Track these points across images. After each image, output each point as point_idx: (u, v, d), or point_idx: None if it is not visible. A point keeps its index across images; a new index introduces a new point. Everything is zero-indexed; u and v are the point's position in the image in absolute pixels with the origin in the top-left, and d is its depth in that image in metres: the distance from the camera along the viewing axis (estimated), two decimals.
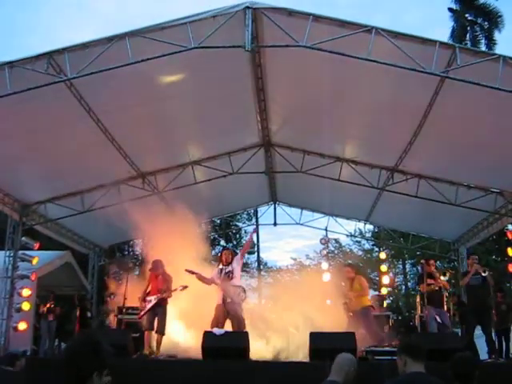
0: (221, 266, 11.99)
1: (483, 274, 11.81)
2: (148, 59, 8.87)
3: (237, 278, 11.80)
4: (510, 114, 9.66)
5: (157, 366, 9.94)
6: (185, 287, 12.60)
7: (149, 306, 11.86)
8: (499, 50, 25.79)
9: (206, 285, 11.83)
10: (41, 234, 15.76)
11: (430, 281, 12.39)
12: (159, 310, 11.79)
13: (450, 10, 27.56)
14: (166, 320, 11.92)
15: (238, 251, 12.38)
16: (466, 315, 12.10)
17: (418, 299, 12.68)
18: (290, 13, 8.74)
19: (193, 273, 12.01)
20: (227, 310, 11.45)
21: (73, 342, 2.96)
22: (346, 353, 5.42)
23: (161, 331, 11.52)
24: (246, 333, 10.55)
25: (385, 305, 17.99)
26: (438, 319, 12.16)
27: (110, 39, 8.75)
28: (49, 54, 8.81)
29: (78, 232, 17.06)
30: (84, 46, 8.81)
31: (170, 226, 14.97)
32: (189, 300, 13.86)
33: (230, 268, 11.87)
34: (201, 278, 11.73)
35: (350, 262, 13.72)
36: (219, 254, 12.40)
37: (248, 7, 8.71)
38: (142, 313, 11.81)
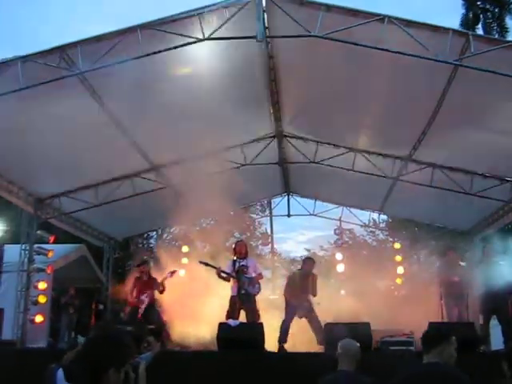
0: (235, 258, 12.06)
1: (500, 263, 11.74)
2: (160, 51, 8.88)
3: (251, 272, 11.89)
4: None
5: (172, 357, 9.98)
6: (173, 272, 12.79)
7: (143, 306, 12.12)
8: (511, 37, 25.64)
9: (222, 280, 11.91)
10: (56, 228, 15.85)
11: (450, 271, 12.36)
12: (151, 309, 12.13)
13: None
14: (160, 315, 12.28)
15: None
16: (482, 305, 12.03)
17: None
18: (302, 2, 8.69)
19: (207, 265, 12.09)
20: (242, 302, 11.51)
21: (93, 335, 2.94)
22: (350, 340, 5.41)
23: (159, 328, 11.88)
24: (261, 324, 10.59)
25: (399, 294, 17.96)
26: (456, 311, 12.12)
27: (122, 32, 8.76)
28: (61, 48, 8.84)
29: (92, 225, 17.12)
30: (96, 39, 8.83)
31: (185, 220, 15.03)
32: (196, 290, 13.98)
33: (244, 262, 11.94)
34: (219, 273, 11.83)
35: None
36: (233, 246, 12.45)
37: None
38: (140, 314, 12.10)
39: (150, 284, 12.58)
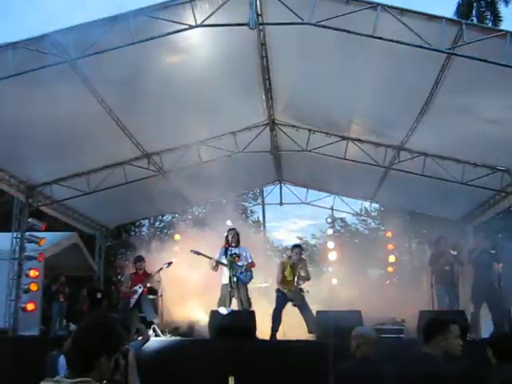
0: (226, 246, 12.10)
1: (491, 252, 11.81)
2: (152, 38, 8.83)
3: (242, 260, 11.94)
4: None
5: (163, 345, 10.01)
6: (169, 263, 12.93)
7: (136, 296, 12.23)
8: (505, 25, 25.62)
9: (212, 269, 11.99)
10: (47, 216, 15.81)
11: (441, 259, 12.42)
12: (144, 298, 12.23)
13: None
14: (151, 307, 12.39)
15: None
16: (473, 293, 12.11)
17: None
18: None
19: (199, 254, 12.14)
20: (233, 290, 11.57)
21: (85, 322, 2.94)
22: (365, 327, 5.43)
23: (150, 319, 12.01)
24: (253, 312, 10.63)
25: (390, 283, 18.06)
26: (447, 300, 12.19)
27: (113, 19, 8.71)
28: (52, 35, 8.78)
29: (84, 213, 17.08)
30: (88, 25, 8.77)
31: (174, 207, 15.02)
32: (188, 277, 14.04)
33: (236, 250, 12.00)
34: (211, 262, 11.92)
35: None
36: (225, 235, 12.47)
37: None
38: (132, 304, 12.19)
39: (144, 277, 12.70)
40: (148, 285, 12.77)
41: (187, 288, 14.56)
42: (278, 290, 11.81)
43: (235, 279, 11.64)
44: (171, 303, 14.19)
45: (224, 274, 11.89)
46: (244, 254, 12.16)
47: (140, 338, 7.97)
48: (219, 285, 12.18)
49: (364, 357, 5.12)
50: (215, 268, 12.00)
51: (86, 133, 11.93)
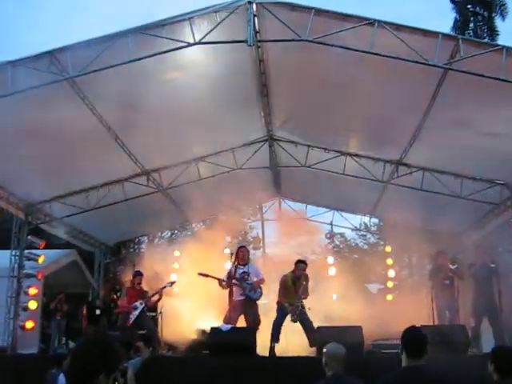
0: (236, 263, 12.13)
1: (491, 266, 11.79)
2: (150, 56, 8.88)
3: (252, 277, 11.96)
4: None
5: (162, 362, 9.96)
6: (173, 283, 12.92)
7: (136, 312, 12.18)
8: (502, 40, 25.73)
9: (221, 288, 11.96)
10: (46, 233, 15.78)
11: (441, 274, 12.38)
12: (143, 315, 12.22)
13: (452, 1, 27.49)
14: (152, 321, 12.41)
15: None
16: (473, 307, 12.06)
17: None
18: (292, 7, 8.72)
19: (207, 276, 12.15)
20: (243, 307, 11.60)
21: (83, 340, 2.92)
22: (335, 344, 5.40)
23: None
24: (253, 328, 10.59)
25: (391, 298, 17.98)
26: (448, 314, 12.14)
27: (111, 37, 8.76)
28: (51, 53, 8.83)
29: (83, 230, 17.06)
30: (86, 44, 8.81)
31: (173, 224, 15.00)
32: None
33: (245, 268, 12.02)
34: (221, 283, 11.91)
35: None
36: (236, 252, 12.46)
37: (250, 2, 8.69)
38: (132, 320, 12.15)
39: (142, 294, 12.66)
40: (149, 303, 12.75)
41: (187, 304, 14.51)
42: (278, 303, 11.74)
43: (244, 297, 11.69)
44: (171, 320, 14.13)
45: (234, 291, 11.89)
46: (253, 271, 12.17)
47: (139, 355, 7.93)
48: (220, 301, 12.17)
49: (334, 374, 5.10)
50: (225, 286, 11.96)
51: (85, 150, 11.95)
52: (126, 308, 12.47)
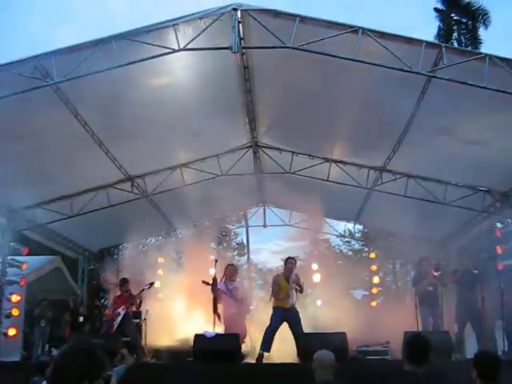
0: (224, 280, 12.26)
1: (474, 272, 11.86)
2: (134, 62, 8.85)
3: (241, 294, 12.15)
4: (496, 112, 9.71)
5: (146, 370, 9.90)
6: (151, 284, 12.91)
7: (119, 318, 12.15)
8: (485, 49, 25.97)
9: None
10: (30, 239, 15.66)
11: (424, 280, 12.43)
12: (127, 322, 12.19)
13: (436, 9, 27.72)
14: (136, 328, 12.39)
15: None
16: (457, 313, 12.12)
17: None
18: (277, 14, 8.74)
19: (208, 284, 12.18)
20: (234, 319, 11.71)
21: (66, 348, 2.90)
22: (324, 351, 5.42)
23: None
24: (237, 335, 10.55)
25: (375, 304, 18.04)
26: (431, 320, 12.19)
27: (96, 43, 8.72)
28: (35, 58, 8.78)
29: (67, 236, 16.94)
30: (70, 49, 8.77)
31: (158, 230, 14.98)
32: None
33: (234, 284, 12.17)
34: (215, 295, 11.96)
35: None
36: (224, 269, 12.59)
37: (235, 9, 8.70)
38: (115, 327, 12.11)
39: (127, 299, 12.61)
40: (133, 308, 12.69)
41: (171, 311, 14.47)
42: (275, 307, 11.49)
43: (235, 310, 11.87)
44: (155, 326, 14.07)
45: (230, 305, 12.01)
46: (241, 287, 12.40)
47: (123, 363, 7.87)
48: (203, 308, 12.16)
49: (323, 380, 5.11)
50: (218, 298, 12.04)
51: (68, 156, 11.89)
52: (111, 316, 12.45)
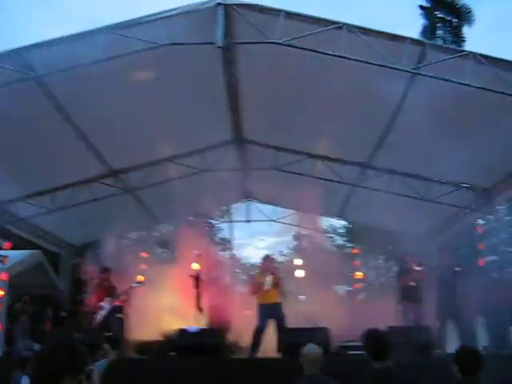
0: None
1: (456, 269, 11.94)
2: (119, 56, 8.81)
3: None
4: (479, 109, 9.78)
5: (129, 364, 9.89)
6: (140, 282, 12.83)
7: (103, 312, 12.04)
8: (469, 46, 26.10)
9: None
10: (11, 233, 15.53)
11: (406, 275, 12.51)
12: (111, 316, 12.11)
13: (421, 7, 27.81)
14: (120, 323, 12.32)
15: None
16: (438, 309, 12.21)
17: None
18: (262, 9, 8.76)
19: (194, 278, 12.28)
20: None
21: (48, 343, 2.89)
22: (311, 345, 5.44)
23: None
24: (221, 329, 10.56)
25: (358, 299, 18.13)
26: (413, 315, 12.27)
27: (80, 36, 8.68)
28: (18, 51, 8.71)
29: (49, 231, 16.84)
30: (54, 42, 8.71)
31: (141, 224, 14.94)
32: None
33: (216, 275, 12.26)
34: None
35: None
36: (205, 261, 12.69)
37: (219, 3, 8.69)
38: (99, 321, 12.00)
39: (110, 291, 12.50)
40: (117, 303, 12.61)
41: (155, 306, 14.43)
42: (260, 305, 11.44)
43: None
44: (139, 321, 14.03)
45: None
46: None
47: (105, 357, 7.87)
48: (187, 302, 12.19)
49: (310, 374, 5.14)
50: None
51: (51, 150, 11.81)
52: (93, 307, 12.32)
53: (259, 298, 11.47)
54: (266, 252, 12.32)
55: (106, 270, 12.95)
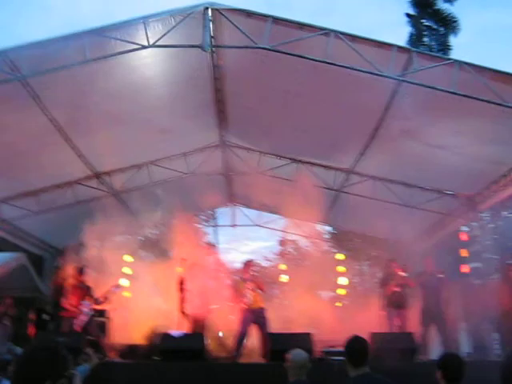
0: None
1: (439, 275, 11.98)
2: (104, 57, 8.79)
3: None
4: (463, 118, 9.84)
5: (112, 368, 9.82)
6: (119, 286, 12.70)
7: (84, 318, 11.93)
8: (454, 55, 26.28)
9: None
10: None
11: (391, 282, 12.53)
12: (91, 319, 12.02)
13: (408, 15, 27.96)
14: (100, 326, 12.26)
15: None
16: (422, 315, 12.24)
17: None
18: (249, 14, 8.75)
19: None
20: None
21: (30, 346, 2.86)
22: (298, 350, 5.43)
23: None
24: (202, 334, 10.53)
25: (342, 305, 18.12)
26: (398, 321, 12.29)
27: (66, 37, 8.63)
28: (4, 52, 8.65)
29: (33, 233, 16.71)
30: (40, 44, 8.66)
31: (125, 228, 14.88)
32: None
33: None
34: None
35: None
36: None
37: (207, 7, 8.68)
38: (83, 324, 11.88)
39: (85, 292, 12.34)
40: (96, 307, 12.48)
41: (139, 309, 14.35)
42: (243, 311, 11.45)
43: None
44: (121, 325, 13.95)
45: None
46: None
47: (87, 362, 7.81)
48: (171, 307, 12.15)
49: (295, 380, 5.13)
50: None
51: (35, 151, 11.74)
52: (73, 311, 12.15)
53: (244, 304, 11.46)
54: (249, 257, 12.26)
55: (80, 271, 12.79)
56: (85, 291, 12.31)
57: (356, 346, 4.74)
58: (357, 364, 4.58)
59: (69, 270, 13.88)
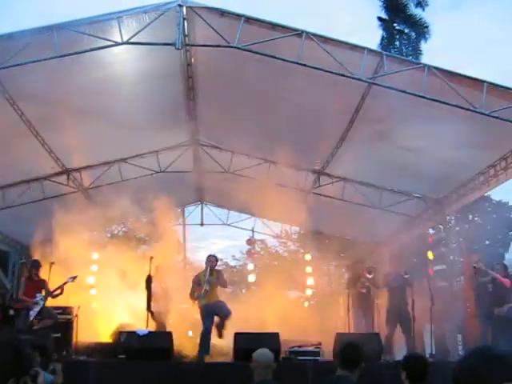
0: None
1: (405, 276, 12.10)
2: (76, 53, 8.69)
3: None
4: (433, 121, 9.96)
5: (78, 366, 9.74)
6: (74, 277, 12.54)
7: (37, 308, 11.76)
8: (425, 59, 26.55)
9: None
10: None
11: (357, 283, 12.64)
12: (45, 311, 11.85)
13: (380, 18, 28.17)
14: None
15: None
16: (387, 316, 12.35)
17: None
18: (222, 13, 8.74)
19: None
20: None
21: None
22: (263, 350, 5.43)
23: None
24: (170, 333, 10.48)
25: (309, 305, 18.23)
26: (363, 322, 12.41)
27: (36, 31, 8.52)
28: None
29: None
30: (9, 36, 8.53)
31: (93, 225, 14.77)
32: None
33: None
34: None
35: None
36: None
37: (180, 5, 8.65)
38: (32, 317, 11.71)
39: (40, 285, 12.16)
40: (50, 298, 12.26)
41: (104, 307, 14.25)
42: (202, 306, 11.26)
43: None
44: (87, 323, 13.81)
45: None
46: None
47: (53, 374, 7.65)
48: (137, 304, 12.11)
49: (261, 380, 5.13)
50: None
51: (3, 146, 11.55)
52: (27, 303, 11.97)
53: (200, 300, 11.32)
54: (220, 260, 12.24)
55: (35, 265, 12.62)
56: (37, 284, 12.15)
57: (350, 357, 4.80)
58: (346, 366, 4.64)
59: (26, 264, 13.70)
